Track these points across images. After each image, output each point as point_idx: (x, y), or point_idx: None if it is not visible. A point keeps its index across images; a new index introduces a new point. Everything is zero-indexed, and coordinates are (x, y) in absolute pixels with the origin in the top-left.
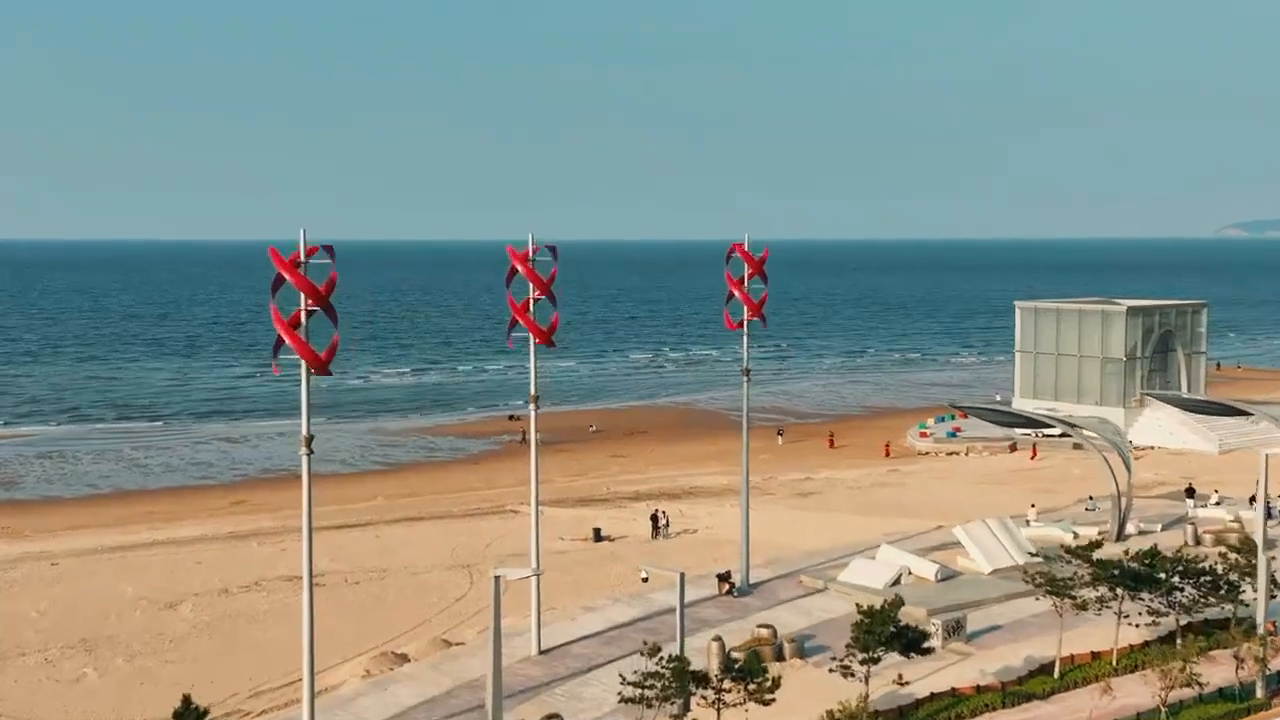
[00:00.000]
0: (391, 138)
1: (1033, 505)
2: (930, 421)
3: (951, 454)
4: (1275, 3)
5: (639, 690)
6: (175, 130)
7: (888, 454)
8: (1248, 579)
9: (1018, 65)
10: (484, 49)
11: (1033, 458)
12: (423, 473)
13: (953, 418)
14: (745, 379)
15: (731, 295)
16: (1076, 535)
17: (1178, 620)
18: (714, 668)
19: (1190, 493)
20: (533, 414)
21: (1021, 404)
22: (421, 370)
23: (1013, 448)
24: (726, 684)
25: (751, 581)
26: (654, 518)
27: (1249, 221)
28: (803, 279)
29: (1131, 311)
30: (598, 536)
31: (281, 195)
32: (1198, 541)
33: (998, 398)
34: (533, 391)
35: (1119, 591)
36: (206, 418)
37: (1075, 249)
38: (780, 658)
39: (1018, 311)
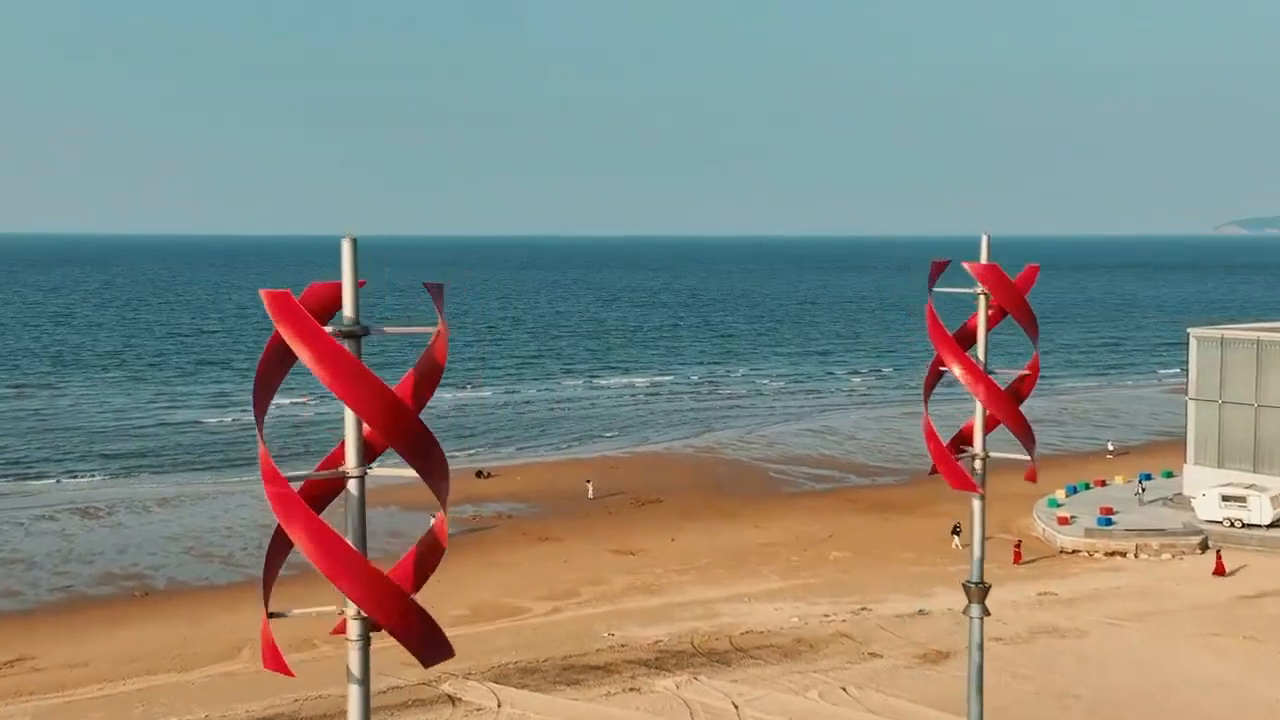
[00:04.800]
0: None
1: None
2: (1060, 494)
3: (1113, 554)
4: (1275, 2)
5: None
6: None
7: (1018, 558)
8: None
9: (1014, 62)
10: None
11: None
12: None
13: (1088, 486)
14: (978, 618)
15: (942, 366)
16: None
17: None
18: None
19: None
20: None
21: (1199, 473)
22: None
23: (1204, 546)
24: None
25: None
26: None
27: (1247, 219)
28: (783, 275)
29: None
30: None
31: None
32: None
33: (1110, 449)
34: None
35: None
36: (88, 472)
37: (1073, 247)
38: None
39: (1193, 342)
